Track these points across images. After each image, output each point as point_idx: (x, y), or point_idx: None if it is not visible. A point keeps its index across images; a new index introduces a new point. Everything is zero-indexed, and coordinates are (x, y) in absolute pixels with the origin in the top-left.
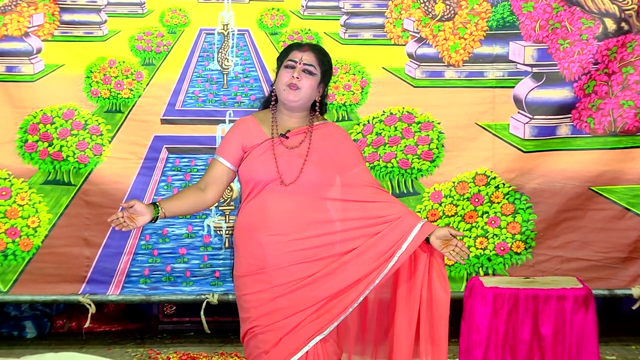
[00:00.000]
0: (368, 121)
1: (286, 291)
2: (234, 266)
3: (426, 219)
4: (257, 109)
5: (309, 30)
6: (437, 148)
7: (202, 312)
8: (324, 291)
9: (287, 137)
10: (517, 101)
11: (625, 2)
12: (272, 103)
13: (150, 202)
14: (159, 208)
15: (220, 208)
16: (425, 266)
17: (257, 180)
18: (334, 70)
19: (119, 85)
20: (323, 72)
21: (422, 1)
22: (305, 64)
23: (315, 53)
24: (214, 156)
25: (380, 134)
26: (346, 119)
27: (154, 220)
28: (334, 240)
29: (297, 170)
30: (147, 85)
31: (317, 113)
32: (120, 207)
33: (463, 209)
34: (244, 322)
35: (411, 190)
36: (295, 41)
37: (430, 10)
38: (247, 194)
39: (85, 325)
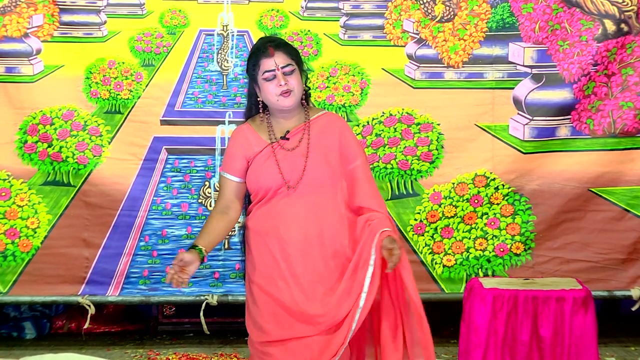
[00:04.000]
0: (367, 122)
1: (295, 308)
2: (246, 267)
3: (385, 230)
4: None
5: (309, 31)
6: (436, 149)
7: (201, 313)
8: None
9: (287, 139)
10: (517, 102)
11: (625, 3)
12: (260, 112)
13: (190, 247)
14: (202, 250)
15: None
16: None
17: (266, 188)
18: (333, 72)
19: (118, 86)
20: (297, 61)
21: (421, 2)
22: (282, 67)
23: (282, 49)
24: (221, 173)
25: (380, 135)
26: (346, 120)
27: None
28: (343, 242)
29: (300, 170)
30: (146, 86)
31: (305, 103)
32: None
33: (462, 210)
34: (256, 327)
35: (411, 192)
36: (294, 43)
37: (429, 11)
38: (257, 200)
39: (85, 326)
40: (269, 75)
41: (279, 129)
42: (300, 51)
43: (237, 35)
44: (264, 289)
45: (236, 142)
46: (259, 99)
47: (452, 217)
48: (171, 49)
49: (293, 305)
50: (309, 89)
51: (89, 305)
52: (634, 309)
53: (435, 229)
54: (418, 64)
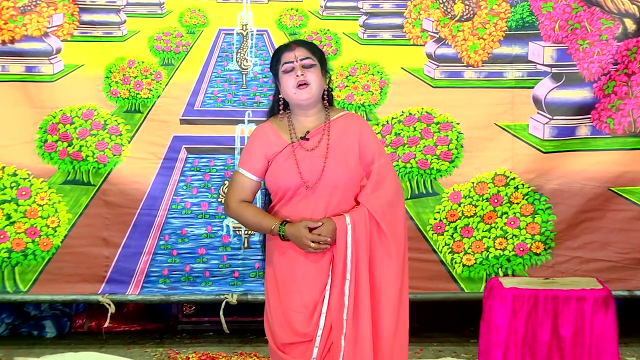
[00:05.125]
0: (387, 121)
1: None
2: (265, 268)
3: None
4: None
5: (328, 30)
6: (456, 148)
7: (221, 312)
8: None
9: (307, 139)
10: (537, 102)
11: None
12: (281, 110)
13: (282, 223)
14: (287, 220)
15: None
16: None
17: (285, 188)
18: (352, 71)
19: (138, 86)
20: (320, 59)
21: (441, 1)
22: (302, 59)
23: (303, 45)
24: (239, 170)
25: (399, 134)
26: (365, 119)
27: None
28: None
29: (319, 171)
30: (166, 85)
31: (327, 103)
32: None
33: (482, 209)
34: (271, 330)
35: (430, 191)
36: (313, 42)
37: (449, 10)
38: (277, 200)
39: (105, 325)
40: (287, 67)
41: (300, 128)
42: None
43: (257, 34)
44: (277, 290)
45: (257, 140)
46: (280, 95)
47: (471, 216)
48: (190, 48)
49: (293, 311)
50: (332, 89)
51: (109, 304)
52: None
53: (455, 228)
54: (437, 63)
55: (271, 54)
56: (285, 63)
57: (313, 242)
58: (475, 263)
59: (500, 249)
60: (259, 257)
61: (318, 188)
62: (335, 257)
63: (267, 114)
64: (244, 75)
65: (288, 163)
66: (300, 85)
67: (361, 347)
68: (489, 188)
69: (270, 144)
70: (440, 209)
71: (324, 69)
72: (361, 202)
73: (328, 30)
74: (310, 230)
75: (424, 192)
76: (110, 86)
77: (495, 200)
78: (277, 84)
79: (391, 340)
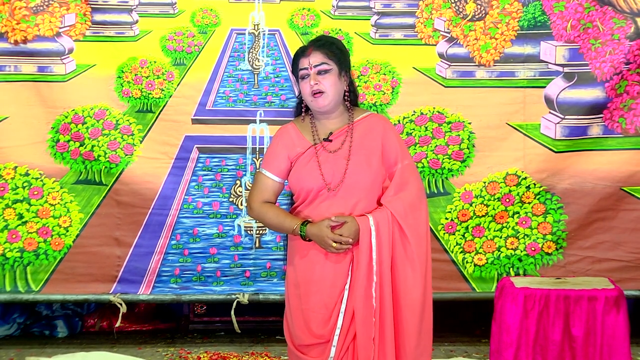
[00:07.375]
0: (399, 121)
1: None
2: (287, 269)
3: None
4: (287, 109)
5: (340, 30)
6: (467, 148)
7: (232, 312)
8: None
9: (330, 141)
10: (549, 101)
11: None
12: (303, 111)
13: (303, 223)
14: (309, 220)
15: None
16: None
17: (307, 189)
18: (364, 70)
19: (150, 85)
20: (338, 61)
21: (453, 1)
22: (315, 66)
23: (321, 49)
24: (262, 171)
25: (411, 134)
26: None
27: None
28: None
29: (341, 173)
30: (178, 85)
31: (349, 104)
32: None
33: (494, 209)
34: (290, 331)
35: (442, 191)
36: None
37: (461, 10)
38: (299, 202)
39: (116, 325)
40: (303, 73)
41: (323, 130)
42: None
43: (268, 34)
44: (298, 292)
45: (281, 141)
46: (301, 97)
47: (483, 216)
48: (202, 48)
49: (313, 312)
50: (356, 89)
51: (121, 304)
52: None
53: (467, 227)
54: (449, 63)
55: (283, 54)
56: (301, 69)
57: (335, 241)
58: (487, 263)
59: (511, 249)
60: (271, 257)
61: (340, 190)
62: (358, 259)
63: (294, 113)
64: (255, 75)
65: (310, 165)
66: (315, 93)
67: (384, 349)
68: (501, 188)
69: (293, 145)
70: (451, 209)
71: (344, 70)
72: (384, 204)
73: (340, 30)
74: (332, 229)
75: (436, 191)
76: (122, 86)
77: (507, 200)
78: (298, 86)
79: (414, 342)
